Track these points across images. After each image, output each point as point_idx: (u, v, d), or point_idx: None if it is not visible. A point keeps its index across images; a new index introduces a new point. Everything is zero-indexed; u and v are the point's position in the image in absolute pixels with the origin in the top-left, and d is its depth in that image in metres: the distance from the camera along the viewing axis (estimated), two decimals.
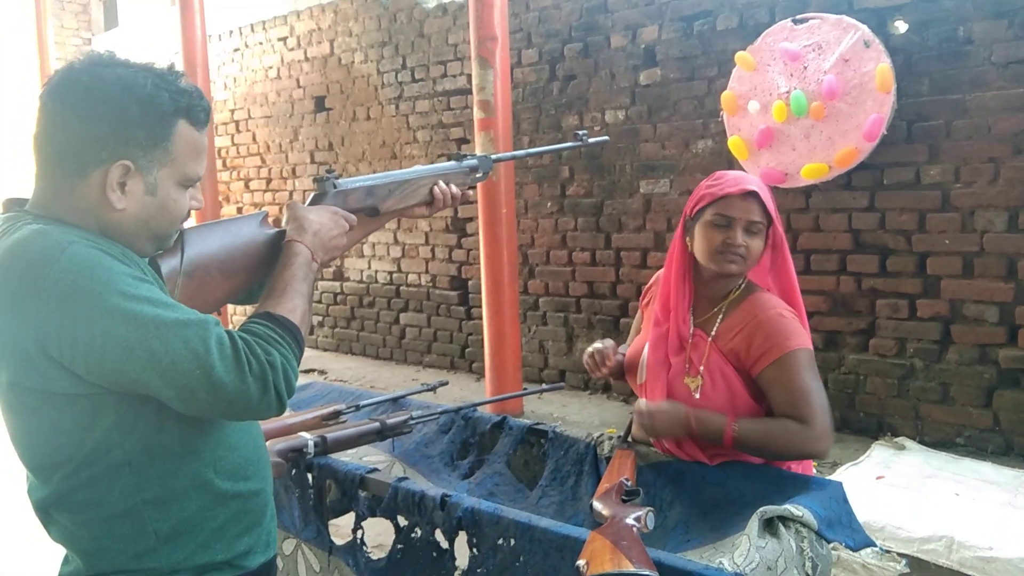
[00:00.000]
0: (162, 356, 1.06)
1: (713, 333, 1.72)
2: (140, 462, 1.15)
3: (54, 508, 1.18)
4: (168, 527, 1.18)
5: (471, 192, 1.69)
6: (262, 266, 1.34)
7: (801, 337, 1.66)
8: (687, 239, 1.77)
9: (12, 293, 1.08)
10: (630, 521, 1.42)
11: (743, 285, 1.75)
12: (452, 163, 1.62)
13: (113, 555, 1.17)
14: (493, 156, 1.71)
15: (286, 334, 1.17)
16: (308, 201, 1.42)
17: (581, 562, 1.33)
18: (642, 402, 1.70)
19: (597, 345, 1.87)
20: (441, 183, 1.57)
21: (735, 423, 1.61)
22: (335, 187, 1.43)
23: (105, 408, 1.12)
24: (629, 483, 1.58)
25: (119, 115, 1.13)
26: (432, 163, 6.32)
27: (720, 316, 1.73)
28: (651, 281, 1.96)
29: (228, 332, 1.12)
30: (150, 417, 1.15)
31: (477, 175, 1.65)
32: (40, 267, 1.07)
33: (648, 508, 1.45)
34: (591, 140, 1.86)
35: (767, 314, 1.68)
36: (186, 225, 1.38)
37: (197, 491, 1.20)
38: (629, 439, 1.85)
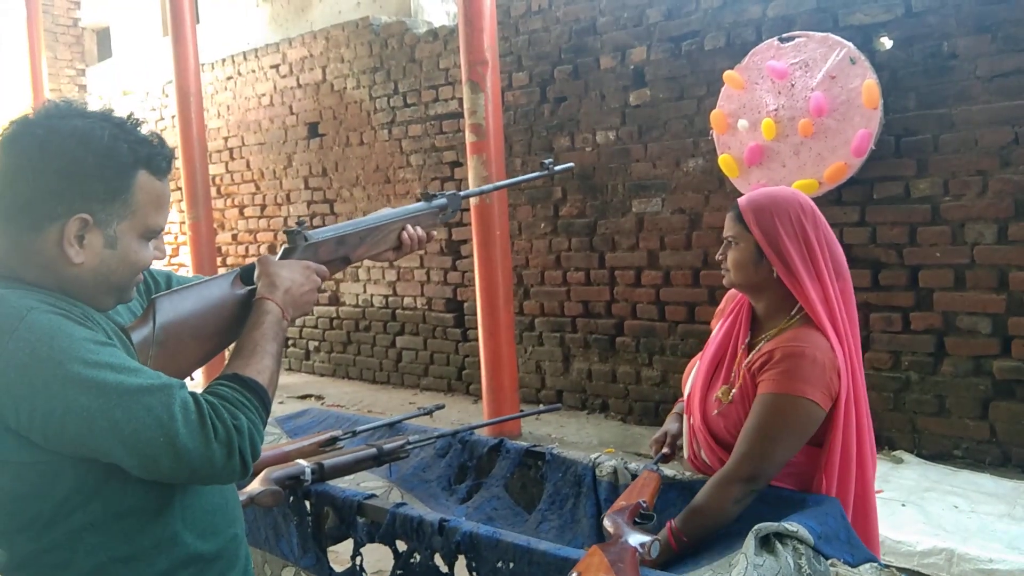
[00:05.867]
0: (124, 425, 1.04)
1: (751, 355, 1.69)
2: (104, 522, 1.12)
3: (19, 573, 1.13)
4: None
5: (435, 234, 1.69)
6: (235, 327, 1.31)
7: (797, 384, 1.56)
8: None
9: None
10: (634, 543, 1.42)
11: (798, 316, 1.67)
12: (421, 204, 1.62)
13: None
14: (462, 193, 1.70)
15: (254, 397, 1.15)
16: (279, 254, 1.39)
17: (574, 574, 1.34)
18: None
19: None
20: (409, 228, 1.56)
21: (672, 523, 1.58)
22: (306, 239, 1.41)
23: (64, 474, 1.09)
24: (645, 505, 1.57)
25: (75, 168, 1.09)
26: (423, 185, 6.35)
27: (764, 339, 1.70)
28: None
29: (194, 395, 1.10)
30: (113, 480, 1.11)
31: (446, 213, 1.65)
32: None
33: (654, 537, 1.45)
34: (557, 168, 1.82)
35: (791, 347, 1.61)
36: (154, 280, 1.38)
37: (167, 546, 1.17)
38: (656, 465, 1.80)
